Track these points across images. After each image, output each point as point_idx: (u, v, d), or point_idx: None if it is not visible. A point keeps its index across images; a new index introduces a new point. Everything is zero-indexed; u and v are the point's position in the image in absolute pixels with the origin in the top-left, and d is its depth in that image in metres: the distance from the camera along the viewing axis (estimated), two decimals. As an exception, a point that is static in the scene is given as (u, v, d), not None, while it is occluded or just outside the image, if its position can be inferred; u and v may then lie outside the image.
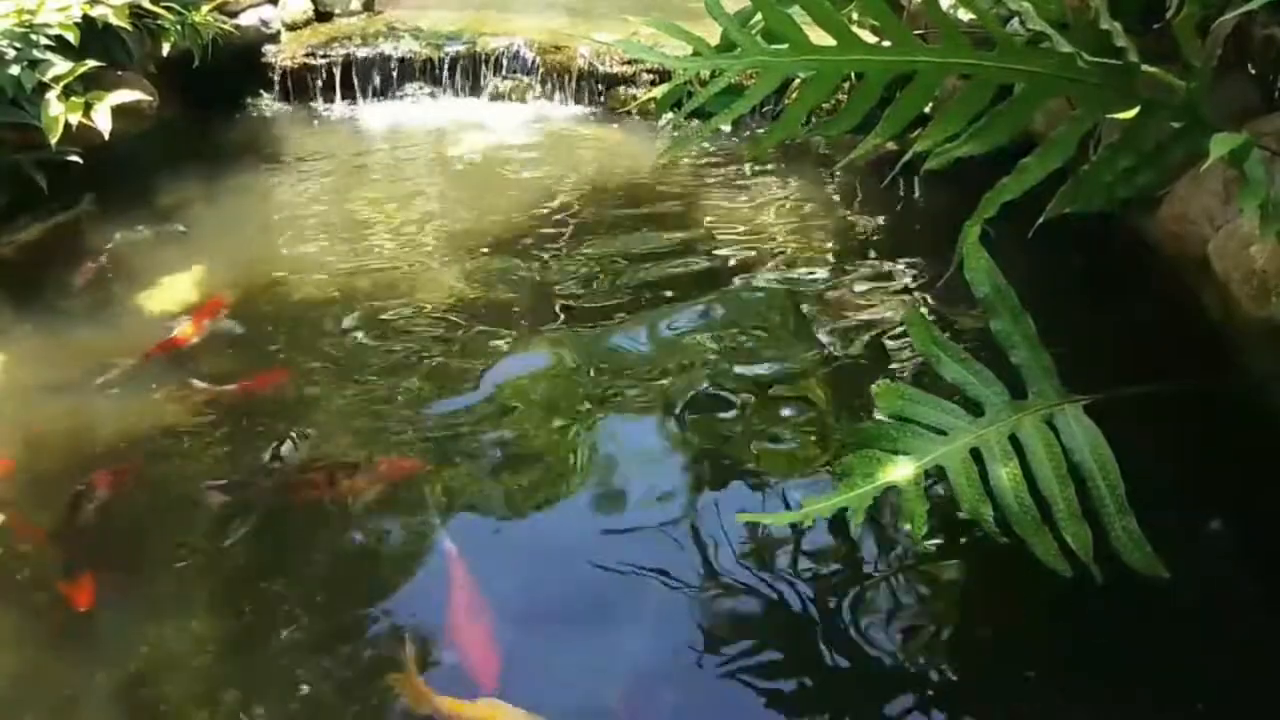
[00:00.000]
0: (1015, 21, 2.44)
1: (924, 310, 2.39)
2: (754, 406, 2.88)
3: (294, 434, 2.72)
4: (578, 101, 5.25)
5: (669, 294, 3.45)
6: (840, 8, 2.71)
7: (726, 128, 4.18)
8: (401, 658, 2.09)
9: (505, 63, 5.29)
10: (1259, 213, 1.88)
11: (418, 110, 5.24)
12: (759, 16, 2.69)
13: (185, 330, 3.21)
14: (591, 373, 3.06)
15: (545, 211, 4.10)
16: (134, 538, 2.49)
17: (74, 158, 3.76)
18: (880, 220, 4.02)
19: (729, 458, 2.71)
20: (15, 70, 3.68)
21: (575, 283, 3.54)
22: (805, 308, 3.36)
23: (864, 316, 3.29)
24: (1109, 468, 2.10)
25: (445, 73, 5.30)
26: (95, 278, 3.56)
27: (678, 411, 2.89)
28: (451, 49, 5.32)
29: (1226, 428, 2.48)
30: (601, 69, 5.19)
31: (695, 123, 4.08)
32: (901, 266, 3.59)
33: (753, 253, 3.75)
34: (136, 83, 4.17)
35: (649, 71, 5.11)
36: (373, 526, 2.51)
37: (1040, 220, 2.31)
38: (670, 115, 4.88)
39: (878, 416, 2.27)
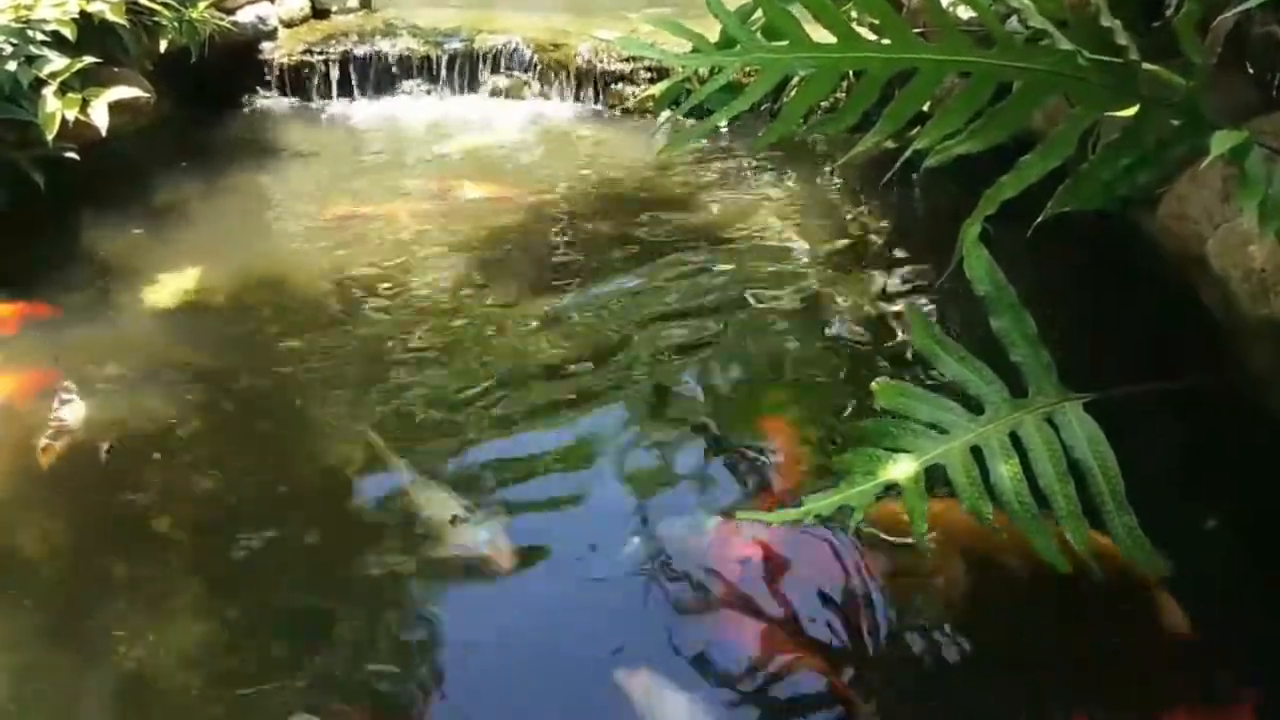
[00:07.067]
0: (1015, 19, 2.44)
1: (924, 308, 2.38)
2: (753, 406, 2.88)
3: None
4: (576, 99, 5.24)
5: (663, 291, 3.45)
6: (840, 5, 2.71)
7: (725, 125, 4.18)
8: None
9: (503, 60, 5.28)
10: (1258, 211, 1.89)
11: (415, 107, 5.23)
12: (759, 13, 2.68)
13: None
14: (583, 368, 3.06)
15: (542, 208, 4.09)
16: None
17: (71, 154, 3.74)
18: (879, 218, 4.02)
19: (728, 455, 2.70)
20: (12, 66, 3.67)
21: (570, 282, 3.53)
22: (804, 307, 3.35)
23: (863, 314, 3.29)
24: (1109, 465, 2.10)
25: (443, 70, 5.29)
26: (92, 274, 3.55)
27: (674, 409, 2.88)
28: (449, 46, 5.31)
29: (1226, 426, 2.48)
30: (600, 66, 5.18)
31: (693, 120, 4.09)
32: (901, 264, 3.59)
33: (751, 252, 3.74)
34: (134, 79, 4.16)
35: (648, 69, 5.10)
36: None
37: (1040, 218, 2.31)
38: (669, 113, 4.87)
39: (878, 414, 2.26)
